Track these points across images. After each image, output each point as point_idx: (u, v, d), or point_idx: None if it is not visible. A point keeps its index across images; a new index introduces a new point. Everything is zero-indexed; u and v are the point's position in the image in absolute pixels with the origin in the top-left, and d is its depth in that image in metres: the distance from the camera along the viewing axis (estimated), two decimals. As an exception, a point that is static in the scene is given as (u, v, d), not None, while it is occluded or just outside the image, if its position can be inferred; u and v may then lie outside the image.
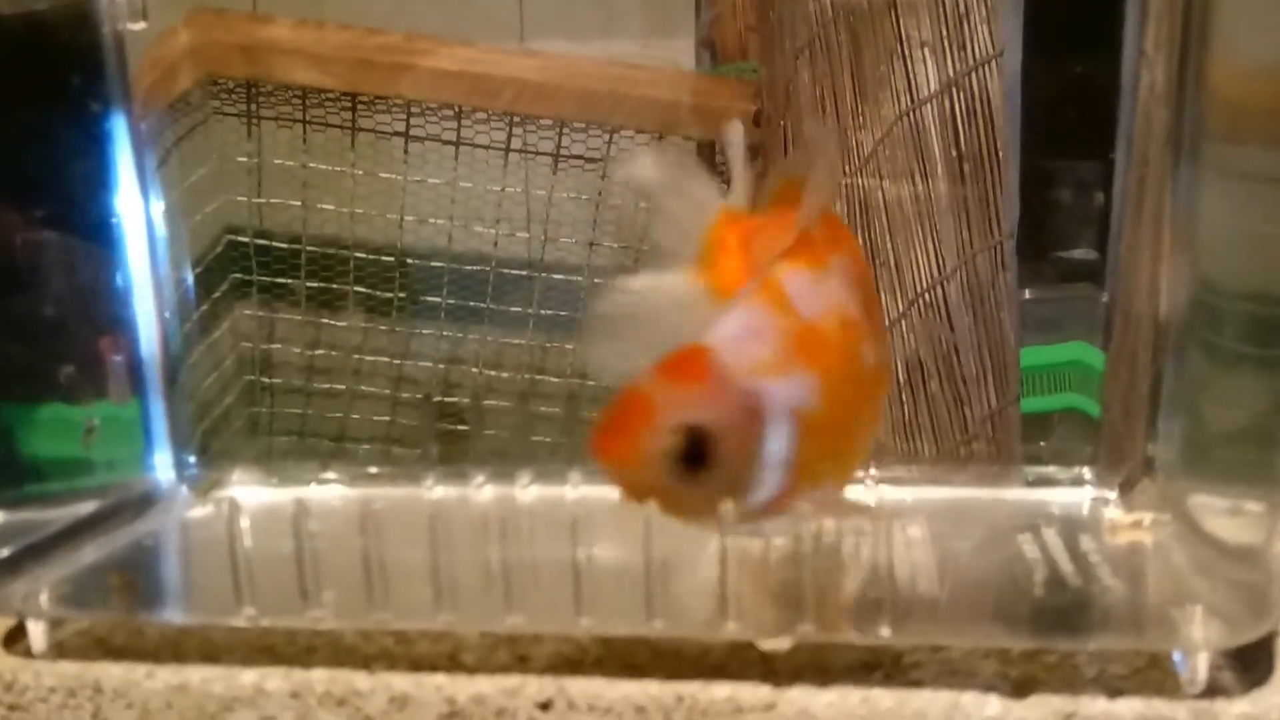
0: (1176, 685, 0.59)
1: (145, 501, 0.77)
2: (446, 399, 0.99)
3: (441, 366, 1.00)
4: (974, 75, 0.88)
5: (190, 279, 0.84)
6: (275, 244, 0.96)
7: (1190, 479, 0.68)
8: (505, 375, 0.99)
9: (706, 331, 0.54)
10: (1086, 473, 0.75)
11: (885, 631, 0.59)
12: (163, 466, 0.79)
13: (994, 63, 0.88)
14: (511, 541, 0.64)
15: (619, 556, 0.62)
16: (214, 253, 0.92)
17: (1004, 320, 0.87)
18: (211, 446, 0.85)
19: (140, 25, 0.76)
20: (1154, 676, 0.60)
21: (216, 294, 0.91)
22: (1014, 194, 0.86)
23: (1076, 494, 0.74)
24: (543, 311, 0.98)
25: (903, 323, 0.88)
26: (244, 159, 0.96)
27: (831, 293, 0.56)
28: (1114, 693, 0.58)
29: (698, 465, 0.53)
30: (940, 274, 0.88)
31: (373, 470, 0.81)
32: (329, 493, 0.78)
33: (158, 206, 0.79)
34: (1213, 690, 0.58)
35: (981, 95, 0.87)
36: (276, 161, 0.98)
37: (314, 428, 0.98)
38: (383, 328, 1.01)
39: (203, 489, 0.78)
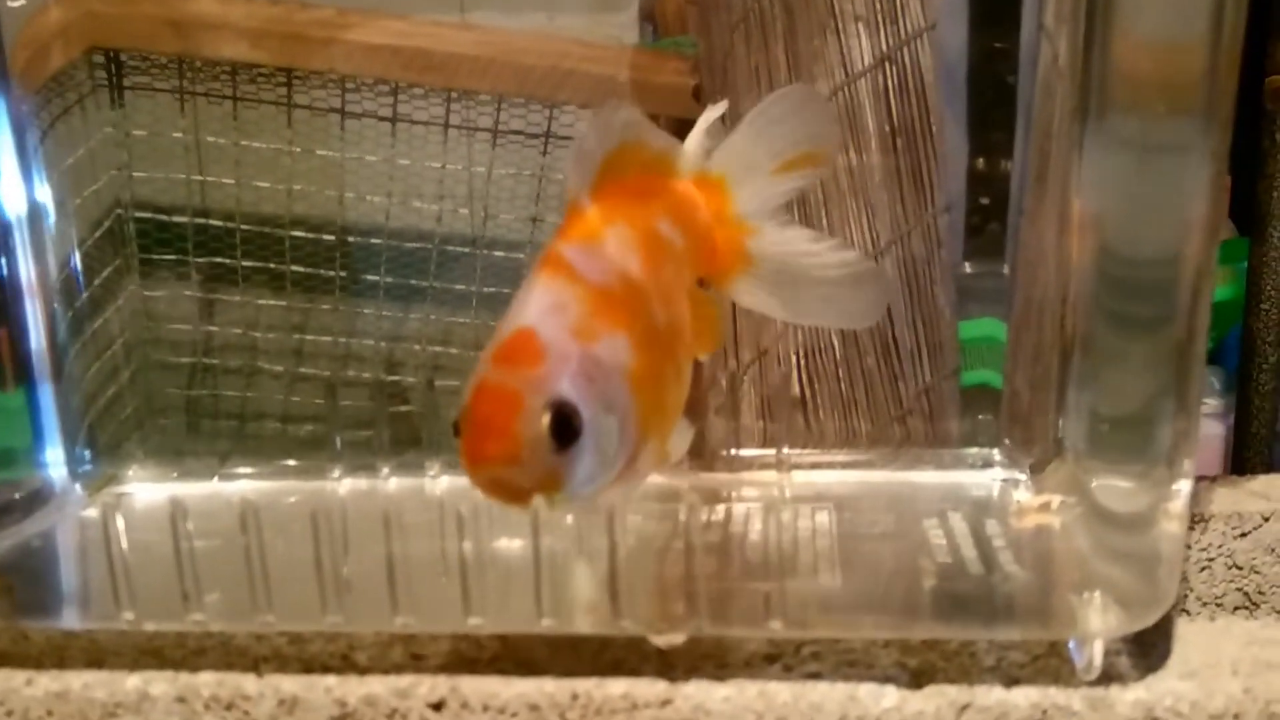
0: (1072, 673, 0.57)
1: (35, 500, 0.75)
2: (390, 378, 0.94)
3: (384, 345, 0.95)
4: (906, 49, 0.86)
5: (77, 262, 0.80)
6: (203, 222, 0.92)
7: (1095, 459, 0.66)
8: (453, 351, 0.95)
9: (514, 314, 0.54)
10: (996, 454, 0.72)
11: (777, 625, 0.57)
12: (54, 463, 0.76)
13: (925, 36, 0.86)
14: (411, 536, 0.61)
15: (515, 550, 0.60)
16: (106, 232, 0.88)
17: (938, 295, 0.85)
18: (108, 440, 0.81)
19: (18, 2, 0.72)
20: (1051, 664, 0.58)
21: (108, 277, 0.87)
22: (949, 168, 0.83)
23: (986, 476, 0.72)
24: (485, 289, 0.95)
25: None
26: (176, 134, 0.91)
27: (612, 259, 0.56)
28: (1010, 681, 0.57)
29: (572, 440, 0.52)
30: (875, 249, 0.86)
31: (289, 463, 0.77)
32: (231, 488, 0.75)
33: (41, 188, 0.76)
34: (1108, 677, 0.57)
35: (914, 69, 0.85)
36: (210, 139, 0.94)
37: (225, 413, 0.95)
38: (325, 307, 0.97)
39: (96, 486, 0.75)
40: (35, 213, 0.76)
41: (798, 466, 0.74)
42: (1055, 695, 0.56)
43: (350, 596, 0.59)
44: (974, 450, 0.74)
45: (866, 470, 0.75)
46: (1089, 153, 0.66)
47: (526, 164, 0.93)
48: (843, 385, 0.86)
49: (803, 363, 0.86)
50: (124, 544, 0.59)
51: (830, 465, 0.76)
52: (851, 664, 0.59)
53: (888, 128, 0.85)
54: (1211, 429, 1.08)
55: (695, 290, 0.62)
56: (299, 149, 0.92)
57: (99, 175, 0.85)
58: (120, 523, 0.58)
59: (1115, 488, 0.64)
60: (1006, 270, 0.75)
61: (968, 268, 0.83)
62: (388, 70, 0.93)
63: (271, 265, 0.93)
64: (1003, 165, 0.77)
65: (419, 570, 0.61)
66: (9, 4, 0.72)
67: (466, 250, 0.95)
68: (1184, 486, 0.56)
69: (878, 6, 0.85)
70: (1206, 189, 0.55)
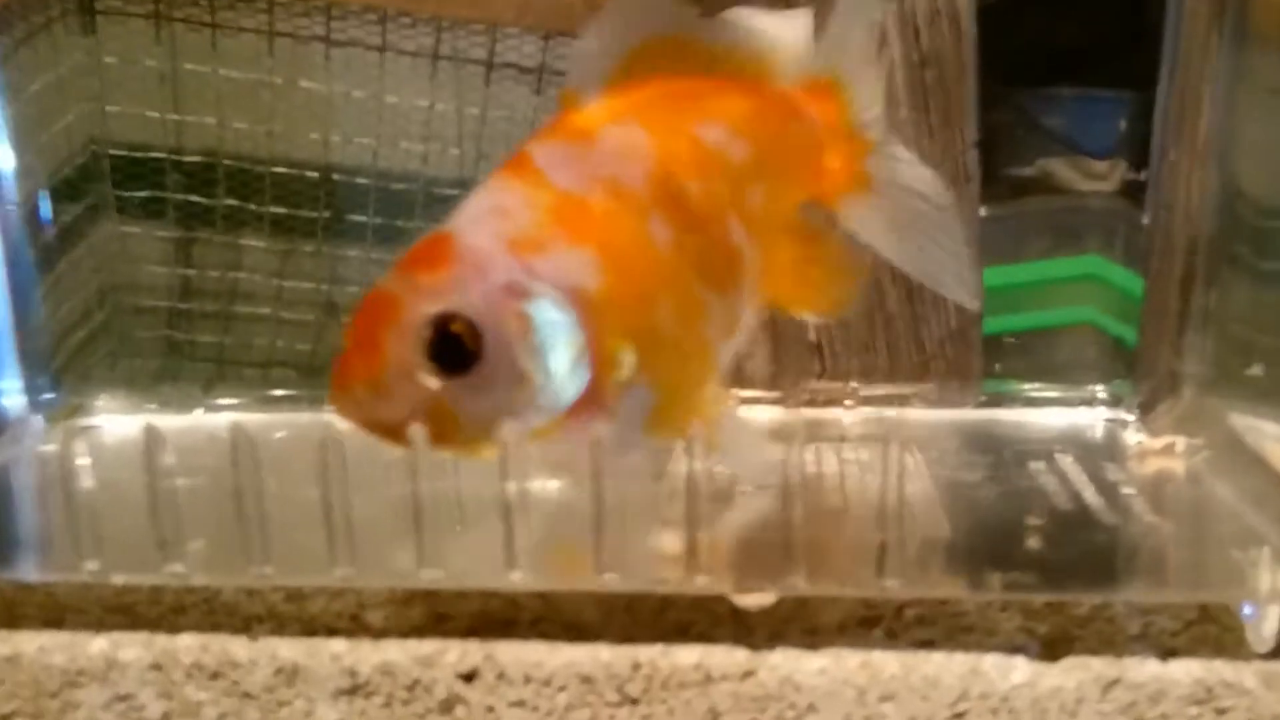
0: (1239, 643, 0.47)
1: (-15, 431, 0.63)
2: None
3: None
4: None
5: (44, 194, 0.72)
6: (179, 158, 0.83)
7: (1230, 398, 0.56)
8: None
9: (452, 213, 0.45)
10: (1100, 391, 0.62)
11: (893, 584, 0.46)
12: (9, 391, 0.65)
13: None
14: (427, 476, 0.49)
15: (559, 493, 0.49)
16: (78, 166, 0.79)
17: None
18: (77, 372, 0.70)
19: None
20: (1210, 632, 0.48)
21: (80, 211, 0.78)
22: (974, 103, 0.75)
23: (1089, 415, 0.62)
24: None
25: None
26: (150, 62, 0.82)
27: (598, 164, 0.46)
28: (1165, 653, 0.47)
29: (462, 365, 0.42)
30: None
31: (276, 393, 0.67)
32: (214, 420, 0.64)
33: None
34: (1284, 648, 0.47)
35: None
36: (189, 67, 0.84)
37: (211, 354, 0.86)
38: (308, 249, 0.88)
39: (59, 416, 0.63)
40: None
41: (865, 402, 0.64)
42: (1222, 670, 0.46)
43: (364, 544, 0.48)
44: (1075, 388, 0.63)
45: (940, 408, 0.65)
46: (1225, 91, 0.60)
47: (520, 101, 0.85)
48: (877, 326, 0.78)
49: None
50: (88, 481, 0.47)
51: (899, 401, 0.65)
52: (967, 630, 0.49)
53: (916, 56, 0.76)
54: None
55: (795, 220, 0.51)
56: (281, 79, 0.84)
57: (68, 108, 0.78)
58: (84, 456, 0.47)
59: (1262, 428, 0.53)
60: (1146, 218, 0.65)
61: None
62: None
63: (252, 205, 0.85)
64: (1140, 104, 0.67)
65: (445, 515, 0.49)
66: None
67: (456, 192, 0.87)
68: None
69: None
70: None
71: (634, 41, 0.48)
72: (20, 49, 0.75)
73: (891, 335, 0.79)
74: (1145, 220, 0.65)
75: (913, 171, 0.52)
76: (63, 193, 0.74)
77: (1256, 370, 0.57)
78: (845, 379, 0.74)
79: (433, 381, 0.41)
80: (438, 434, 0.42)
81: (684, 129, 0.48)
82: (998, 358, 0.73)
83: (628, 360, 0.45)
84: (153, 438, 0.46)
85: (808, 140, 0.51)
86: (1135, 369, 0.64)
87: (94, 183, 0.78)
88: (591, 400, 0.44)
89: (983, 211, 0.77)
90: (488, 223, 0.44)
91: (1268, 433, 0.55)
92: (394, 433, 0.42)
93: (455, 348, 0.41)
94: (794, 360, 0.74)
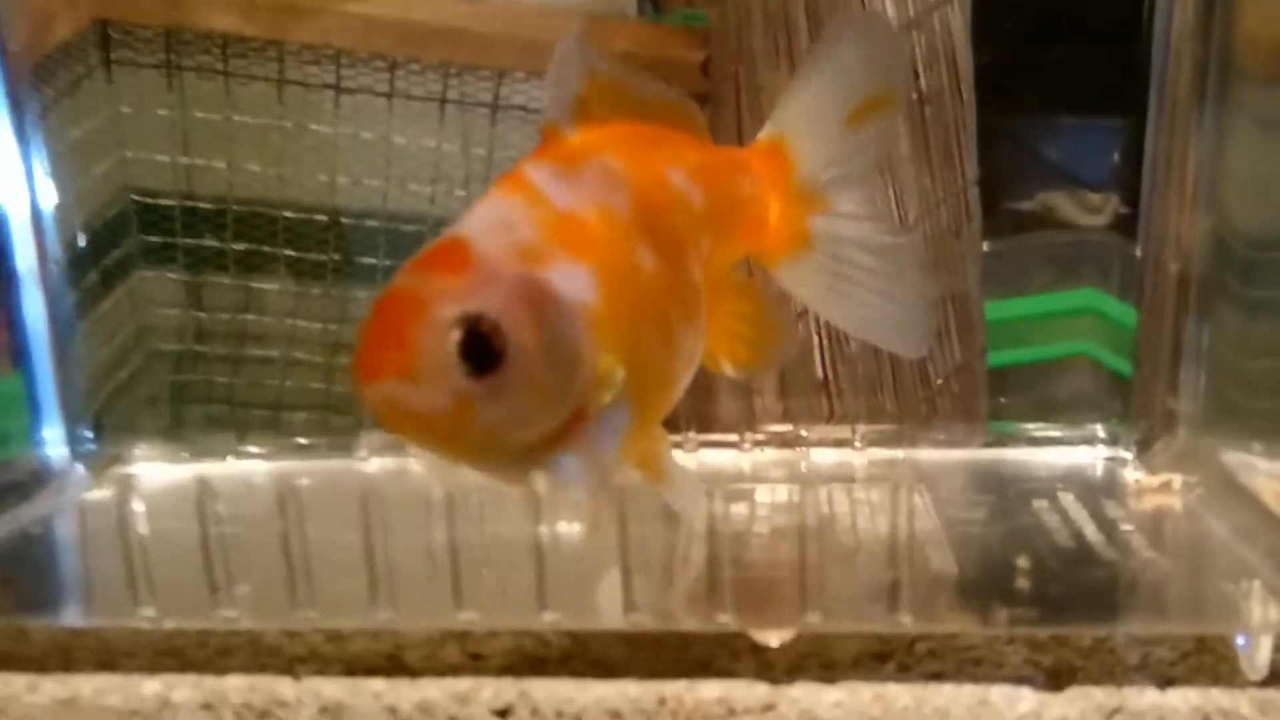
0: (1234, 672, 0.49)
1: (32, 483, 0.65)
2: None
3: None
4: (935, 14, 0.78)
5: (82, 242, 0.73)
6: (193, 204, 0.84)
7: (1223, 435, 0.58)
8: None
9: (452, 227, 0.44)
10: (1100, 430, 0.64)
11: (907, 619, 0.48)
12: (53, 442, 0.67)
13: (955, 2, 0.78)
14: (460, 521, 0.52)
15: (588, 536, 0.51)
16: (113, 213, 0.80)
17: (969, 271, 0.78)
18: (114, 420, 0.72)
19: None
20: (1206, 662, 0.51)
21: (116, 258, 0.80)
22: (974, 141, 0.77)
23: (1090, 453, 0.65)
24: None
25: None
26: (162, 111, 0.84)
27: (587, 188, 0.47)
28: (1164, 682, 0.49)
29: (488, 366, 0.41)
30: (903, 224, 0.78)
31: (301, 441, 0.68)
32: (248, 468, 0.66)
33: (39, 165, 0.69)
34: (1277, 676, 0.49)
35: (944, 35, 0.78)
36: (199, 115, 0.86)
37: (236, 397, 0.87)
38: (315, 292, 0.90)
39: (100, 467, 0.65)
40: (33, 192, 0.69)
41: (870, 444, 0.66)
42: (1219, 698, 0.48)
43: (402, 587, 0.50)
44: (1075, 427, 0.65)
45: (946, 448, 0.67)
46: (1212, 127, 0.61)
47: (526, 141, 0.85)
48: (865, 365, 0.79)
49: (825, 342, 0.79)
50: (149, 529, 0.49)
51: (905, 442, 0.67)
52: (976, 662, 0.51)
53: (915, 96, 0.78)
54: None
55: (731, 276, 0.53)
56: (291, 124, 0.85)
57: (103, 155, 0.79)
58: (145, 505, 0.49)
59: (1252, 464, 0.56)
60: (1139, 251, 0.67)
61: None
62: (385, 44, 0.86)
63: (266, 248, 0.86)
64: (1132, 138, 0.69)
65: (475, 559, 0.52)
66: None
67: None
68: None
69: None
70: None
71: (581, 86, 0.48)
72: (62, 99, 0.77)
73: (898, 373, 0.81)
74: (1137, 253, 0.67)
75: (859, 230, 0.53)
76: (99, 241, 0.75)
77: (1247, 404, 0.59)
78: (854, 420, 0.76)
79: (462, 380, 0.41)
80: (457, 434, 0.42)
81: (653, 168, 0.49)
82: (1000, 392, 0.75)
83: (618, 376, 0.45)
84: (204, 488, 0.48)
85: (752, 198, 0.52)
86: (1131, 406, 0.66)
87: (126, 230, 0.80)
88: (582, 413, 0.45)
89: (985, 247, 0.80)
90: (497, 233, 0.44)
91: (1259, 468, 0.57)
92: (421, 429, 0.42)
93: (483, 348, 0.41)
94: (802, 401, 0.76)
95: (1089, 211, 0.72)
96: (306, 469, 0.65)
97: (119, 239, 0.79)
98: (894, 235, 0.54)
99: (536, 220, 0.45)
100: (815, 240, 0.53)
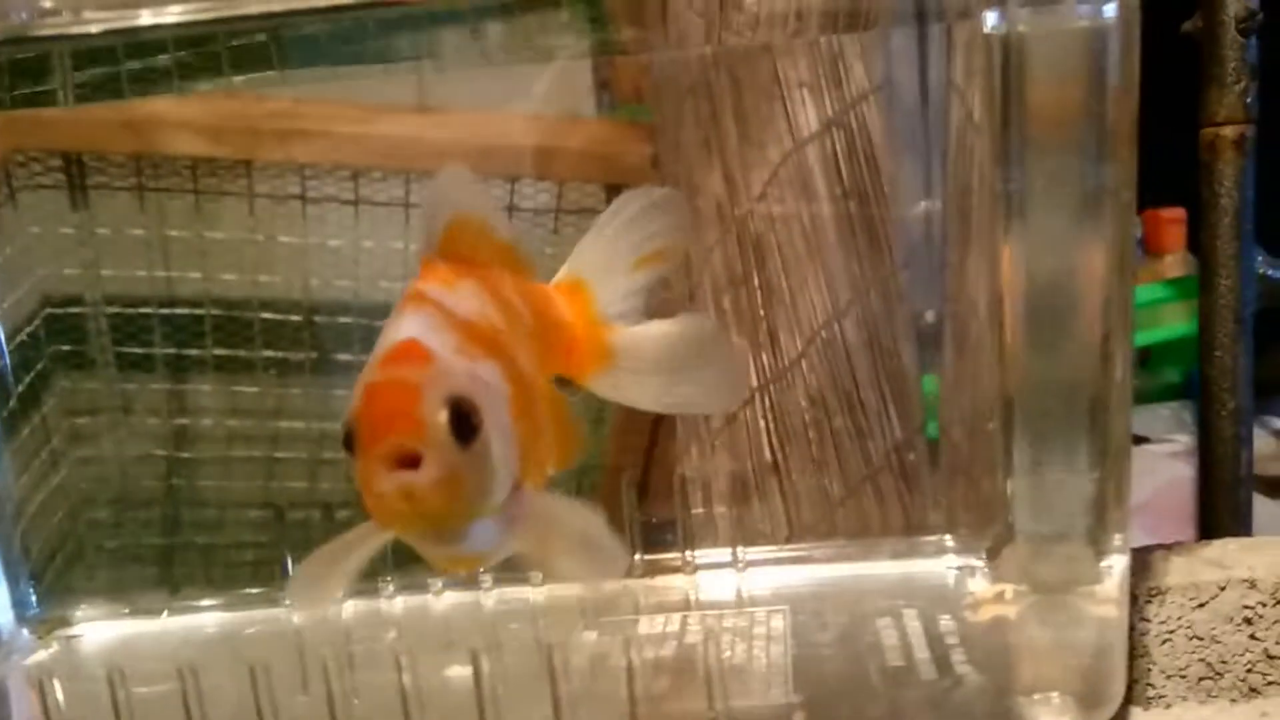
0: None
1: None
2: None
3: None
4: (852, 113, 0.85)
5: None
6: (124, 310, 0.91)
7: (1040, 539, 0.63)
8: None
9: (386, 336, 0.51)
10: (949, 540, 0.69)
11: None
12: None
13: (871, 99, 0.84)
14: (344, 676, 0.58)
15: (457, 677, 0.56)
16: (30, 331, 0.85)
17: (902, 351, 0.84)
18: (55, 581, 0.76)
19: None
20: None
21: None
22: (903, 225, 0.83)
23: (941, 564, 0.69)
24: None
25: (803, 361, 0.86)
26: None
27: (470, 301, 0.55)
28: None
29: (471, 438, 0.49)
30: (835, 310, 0.86)
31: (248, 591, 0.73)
32: (179, 625, 0.70)
33: None
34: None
35: (861, 131, 0.85)
36: (172, 233, 0.93)
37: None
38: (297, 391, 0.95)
39: (44, 630, 0.70)
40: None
41: (755, 563, 0.71)
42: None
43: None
44: (930, 537, 0.70)
45: (822, 564, 0.72)
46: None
47: None
48: (813, 447, 0.84)
49: (771, 427, 0.85)
50: (60, 698, 0.55)
51: (783, 560, 0.72)
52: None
53: (839, 190, 0.85)
54: (1181, 471, 1.05)
55: (551, 390, 0.60)
56: (262, 237, 0.92)
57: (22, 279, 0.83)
58: (55, 682, 0.54)
59: (1054, 570, 0.61)
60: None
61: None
62: (347, 157, 0.93)
63: (242, 352, 0.92)
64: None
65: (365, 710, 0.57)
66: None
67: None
68: (1117, 564, 0.53)
69: (821, 72, 0.85)
70: (1107, 239, 0.53)
71: (450, 216, 0.56)
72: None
73: (841, 453, 0.86)
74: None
75: (653, 339, 0.62)
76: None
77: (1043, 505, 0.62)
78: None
79: (454, 451, 0.48)
80: (450, 501, 0.49)
81: (501, 291, 0.57)
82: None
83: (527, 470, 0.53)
84: (117, 676, 0.53)
85: (563, 323, 0.61)
86: (973, 512, 0.70)
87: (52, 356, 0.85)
88: (513, 500, 0.52)
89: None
90: (433, 336, 0.51)
91: (1063, 573, 0.62)
92: (425, 500, 0.48)
93: (465, 423, 0.48)
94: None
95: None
96: (242, 620, 0.69)
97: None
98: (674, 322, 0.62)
99: (450, 326, 0.52)
100: (617, 355, 0.62)
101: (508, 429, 0.51)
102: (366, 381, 0.49)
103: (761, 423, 0.87)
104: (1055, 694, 0.54)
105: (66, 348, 0.89)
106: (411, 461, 0.48)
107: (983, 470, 0.68)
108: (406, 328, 0.51)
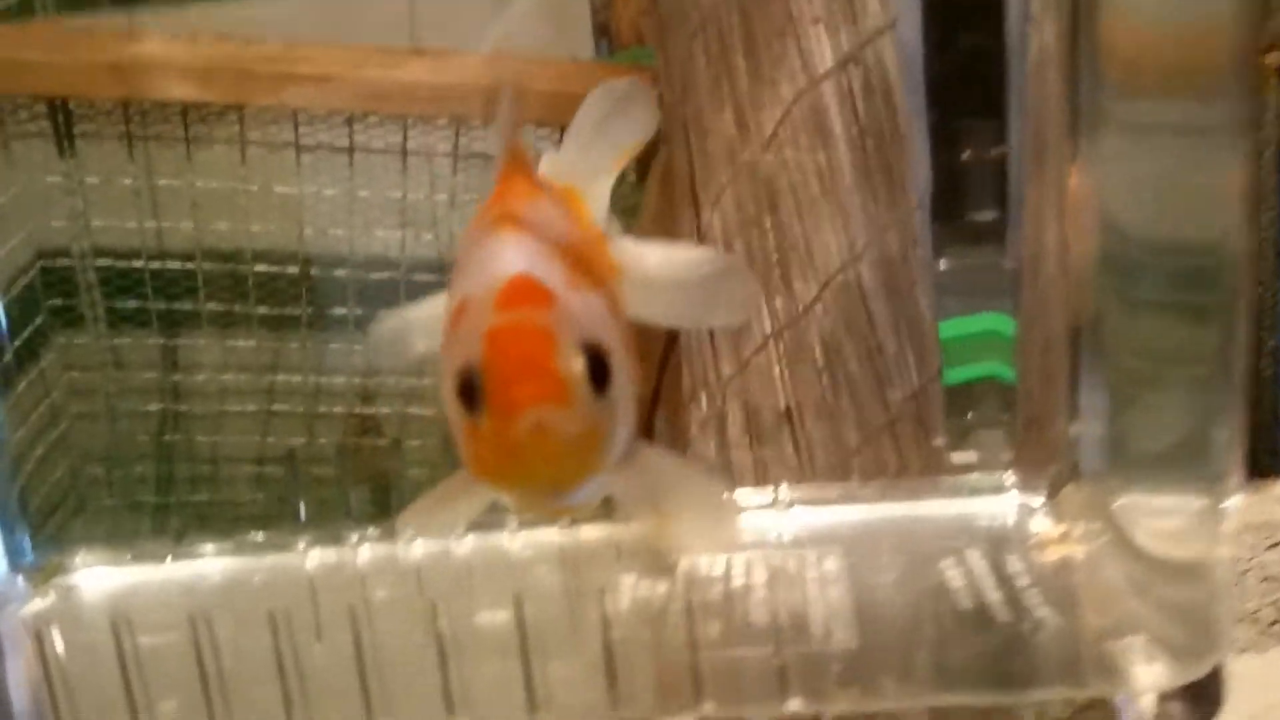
0: (1122, 729, 0.50)
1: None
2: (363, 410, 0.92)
3: (357, 381, 0.93)
4: (868, 49, 0.80)
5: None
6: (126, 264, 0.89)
7: (1117, 477, 0.59)
8: (426, 382, 0.90)
9: (490, 266, 0.44)
10: (1010, 478, 0.65)
11: (795, 703, 0.49)
12: (-10, 554, 0.67)
13: (888, 34, 0.79)
14: (364, 624, 0.53)
15: (490, 631, 0.52)
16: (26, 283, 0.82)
17: (919, 295, 0.80)
18: (52, 526, 0.73)
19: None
20: (1097, 718, 0.51)
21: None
22: (921, 165, 0.78)
23: (1001, 503, 0.65)
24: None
25: (818, 306, 0.81)
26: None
27: (558, 220, 0.48)
28: (1054, 742, 0.50)
29: (605, 384, 0.42)
30: (851, 252, 0.80)
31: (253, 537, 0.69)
32: (187, 571, 0.66)
33: None
34: (1163, 734, 0.49)
35: (878, 68, 0.80)
36: (162, 182, 0.90)
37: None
38: (294, 345, 0.94)
39: (40, 578, 0.66)
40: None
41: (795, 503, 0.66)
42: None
43: (316, 697, 0.51)
44: (988, 474, 0.66)
45: (871, 503, 0.67)
46: (1089, 138, 0.59)
47: (489, 186, 0.90)
48: (827, 396, 0.80)
49: (786, 374, 0.80)
50: (59, 649, 0.50)
51: (831, 500, 0.67)
52: (878, 732, 0.52)
53: (855, 130, 0.80)
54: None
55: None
56: (255, 186, 0.90)
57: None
58: (54, 631, 0.50)
59: (1144, 506, 0.56)
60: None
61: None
62: (341, 102, 0.90)
63: (236, 307, 0.90)
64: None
65: (390, 659, 0.52)
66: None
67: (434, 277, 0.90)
68: (1231, 506, 0.49)
69: (835, 8, 0.80)
70: (1231, 168, 0.49)
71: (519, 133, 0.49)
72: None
73: (858, 400, 0.82)
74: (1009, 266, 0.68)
75: (653, 251, 0.55)
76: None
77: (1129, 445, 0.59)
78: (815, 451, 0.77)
79: (596, 403, 0.42)
80: (589, 455, 0.43)
81: (561, 207, 0.50)
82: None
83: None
84: (120, 616, 0.49)
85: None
86: (1031, 439, 0.66)
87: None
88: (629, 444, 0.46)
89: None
90: (542, 267, 0.44)
91: (1153, 506, 0.58)
92: (564, 456, 0.42)
93: (598, 368, 0.42)
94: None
95: (983, 229, 0.72)
96: (250, 567, 0.65)
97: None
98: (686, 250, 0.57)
99: (552, 254, 0.45)
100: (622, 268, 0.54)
101: (628, 370, 0.45)
102: (488, 326, 0.42)
103: (776, 369, 0.82)
104: (1144, 639, 0.49)
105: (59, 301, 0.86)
106: (550, 420, 0.41)
107: (1052, 407, 0.64)
108: (511, 258, 0.44)
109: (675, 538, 0.53)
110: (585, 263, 0.47)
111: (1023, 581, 0.57)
